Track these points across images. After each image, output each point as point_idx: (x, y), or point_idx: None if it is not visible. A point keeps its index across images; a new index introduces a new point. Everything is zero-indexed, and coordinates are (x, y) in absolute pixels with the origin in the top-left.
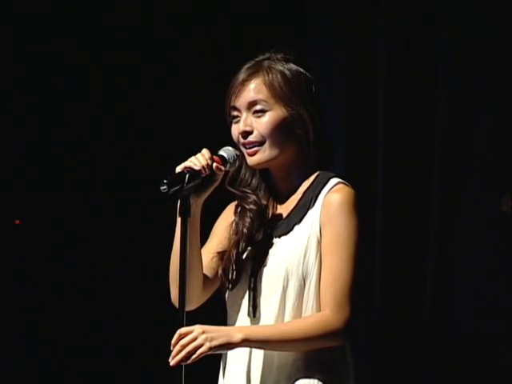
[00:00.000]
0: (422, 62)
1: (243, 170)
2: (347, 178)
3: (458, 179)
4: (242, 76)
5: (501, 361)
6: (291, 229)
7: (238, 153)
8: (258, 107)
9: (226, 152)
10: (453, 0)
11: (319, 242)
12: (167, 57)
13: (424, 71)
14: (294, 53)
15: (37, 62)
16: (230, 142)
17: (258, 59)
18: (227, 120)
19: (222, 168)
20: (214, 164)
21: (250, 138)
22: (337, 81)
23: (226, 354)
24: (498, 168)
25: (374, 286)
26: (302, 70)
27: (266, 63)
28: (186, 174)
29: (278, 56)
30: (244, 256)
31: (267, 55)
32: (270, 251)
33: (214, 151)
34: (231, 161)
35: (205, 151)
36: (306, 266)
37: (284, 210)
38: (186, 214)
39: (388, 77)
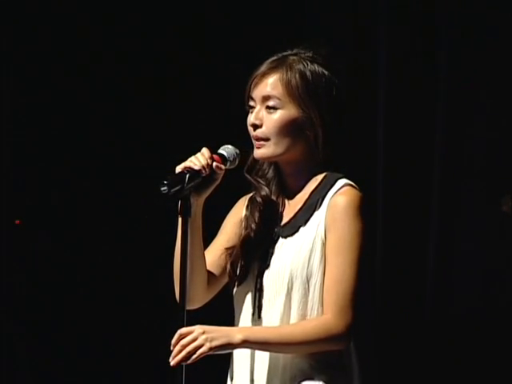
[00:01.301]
0: (423, 62)
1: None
2: (350, 179)
3: (458, 179)
4: (263, 68)
5: (501, 360)
6: (297, 230)
7: (237, 151)
8: (270, 103)
9: (225, 150)
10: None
11: (324, 245)
12: (167, 57)
13: (424, 71)
14: (323, 53)
15: (36, 61)
16: (231, 141)
17: (285, 53)
18: (245, 107)
19: (222, 167)
20: (214, 163)
21: (258, 133)
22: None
23: (233, 356)
24: (497, 168)
25: (374, 285)
26: (326, 72)
27: (289, 60)
28: (186, 174)
29: (305, 54)
30: (251, 254)
31: (295, 51)
32: (276, 252)
33: (213, 150)
34: (231, 159)
35: (204, 150)
36: (310, 270)
37: (291, 208)
38: (186, 214)
39: (388, 77)
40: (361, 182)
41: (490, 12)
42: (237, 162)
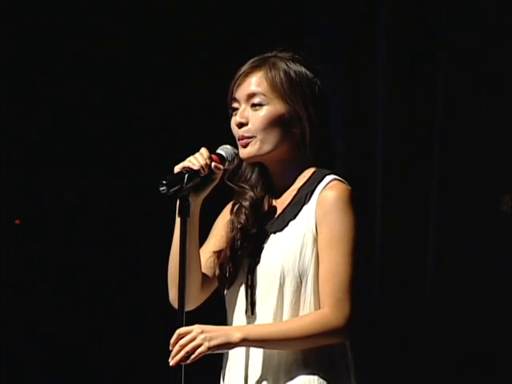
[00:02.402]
0: (422, 61)
1: (243, 166)
2: (347, 178)
3: (458, 179)
4: (245, 68)
5: (500, 360)
6: (286, 225)
7: (236, 151)
8: (256, 100)
9: (224, 150)
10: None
11: (315, 239)
12: (167, 57)
13: (424, 70)
14: (302, 53)
15: (36, 61)
16: (229, 141)
17: (265, 55)
18: (228, 111)
19: (221, 167)
20: (213, 163)
21: (243, 131)
22: (337, 81)
23: (226, 355)
24: (498, 168)
25: (373, 284)
26: (307, 71)
27: (271, 59)
28: (184, 174)
29: (286, 55)
30: (240, 253)
31: (275, 52)
32: (266, 248)
33: (212, 150)
34: (230, 159)
35: (203, 150)
36: (302, 264)
37: (279, 206)
38: (185, 214)
39: (388, 76)
40: (361, 182)
41: (489, 12)
42: (235, 162)
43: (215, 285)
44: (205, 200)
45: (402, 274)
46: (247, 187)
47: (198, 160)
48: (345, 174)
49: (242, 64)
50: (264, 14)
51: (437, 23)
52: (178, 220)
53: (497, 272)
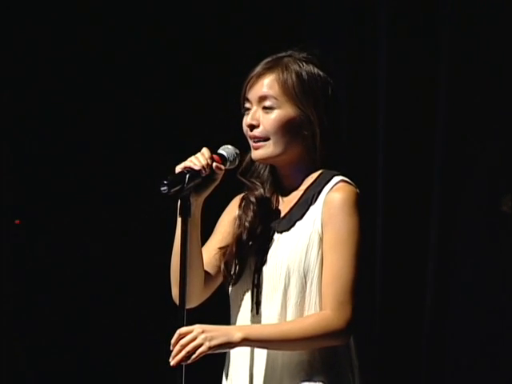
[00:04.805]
0: (423, 61)
1: (257, 162)
2: (348, 177)
3: (458, 179)
4: (258, 69)
5: (501, 362)
6: (293, 225)
7: (237, 151)
8: (267, 103)
9: (225, 151)
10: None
11: (321, 240)
12: (167, 57)
13: (425, 70)
14: (317, 53)
15: (36, 61)
16: (230, 141)
17: (279, 55)
18: (241, 110)
19: (222, 167)
20: (214, 163)
21: (255, 133)
22: (337, 81)
23: (229, 355)
24: (498, 168)
25: (373, 286)
26: (320, 72)
27: (284, 60)
28: (186, 174)
29: (300, 55)
30: (246, 251)
31: (289, 52)
32: (272, 247)
33: (213, 150)
34: (231, 159)
35: (204, 150)
36: (307, 264)
37: (286, 205)
38: (186, 214)
39: (389, 76)
40: (361, 182)
41: (490, 8)
42: (236, 162)
43: (218, 282)
44: (206, 200)
45: (403, 275)
46: (258, 183)
47: (199, 160)
48: (345, 173)
49: (256, 64)
50: (264, 14)
51: (438, 24)
52: (179, 220)
53: (497, 272)
